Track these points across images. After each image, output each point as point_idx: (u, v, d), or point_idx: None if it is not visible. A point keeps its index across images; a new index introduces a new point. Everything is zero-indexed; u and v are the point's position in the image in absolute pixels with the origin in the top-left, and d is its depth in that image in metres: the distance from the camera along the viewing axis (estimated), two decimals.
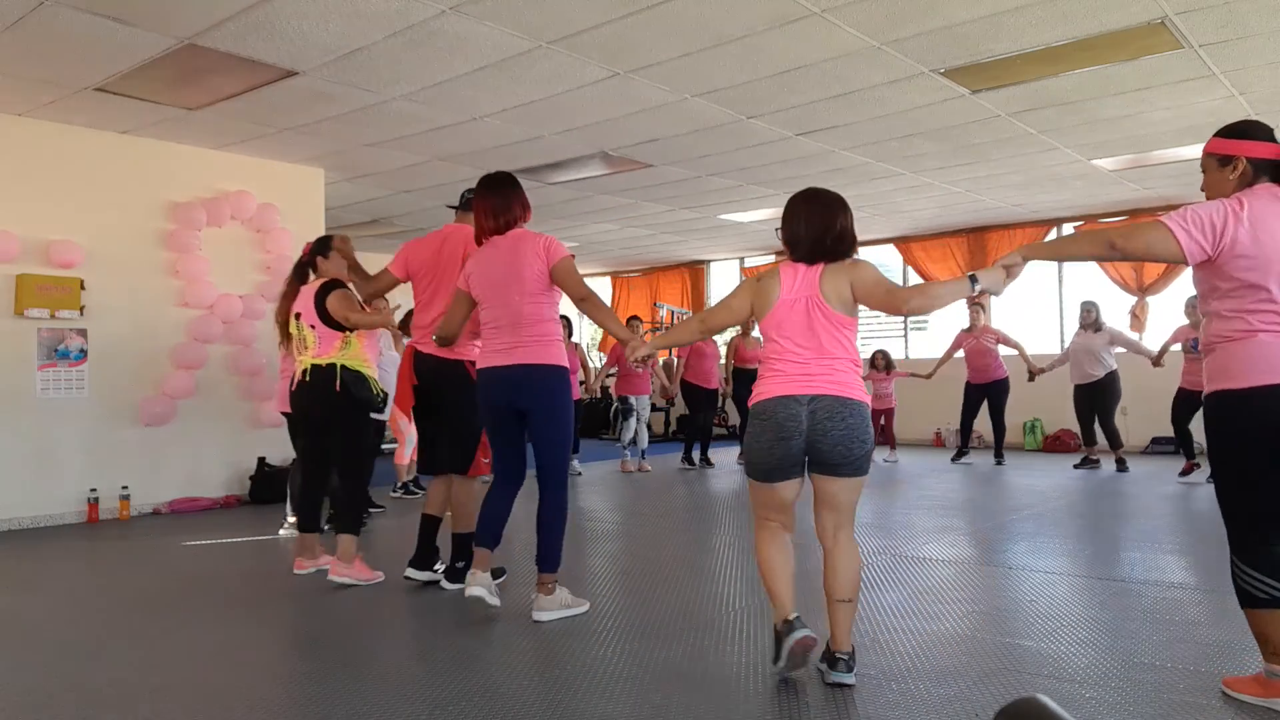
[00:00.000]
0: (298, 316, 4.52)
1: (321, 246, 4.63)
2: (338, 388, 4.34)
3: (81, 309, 6.53)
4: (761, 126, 6.83)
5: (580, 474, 9.08)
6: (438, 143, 7.17)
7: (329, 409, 4.41)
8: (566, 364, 3.82)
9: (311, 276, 4.64)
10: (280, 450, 7.51)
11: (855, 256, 2.99)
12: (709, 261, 14.56)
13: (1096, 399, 8.56)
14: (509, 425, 3.79)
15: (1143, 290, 10.32)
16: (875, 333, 12.76)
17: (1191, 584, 4.20)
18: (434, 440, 4.33)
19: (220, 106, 6.19)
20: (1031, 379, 9.00)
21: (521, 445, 3.85)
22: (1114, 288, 10.57)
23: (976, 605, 3.91)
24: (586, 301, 3.68)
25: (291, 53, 5.19)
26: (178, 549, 5.51)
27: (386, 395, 4.57)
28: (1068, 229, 10.98)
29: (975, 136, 7.20)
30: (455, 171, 8.11)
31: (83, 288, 6.53)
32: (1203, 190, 2.76)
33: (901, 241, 12.23)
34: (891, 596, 4.04)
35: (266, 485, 7.28)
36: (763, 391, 2.94)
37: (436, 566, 4.36)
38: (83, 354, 6.60)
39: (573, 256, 3.76)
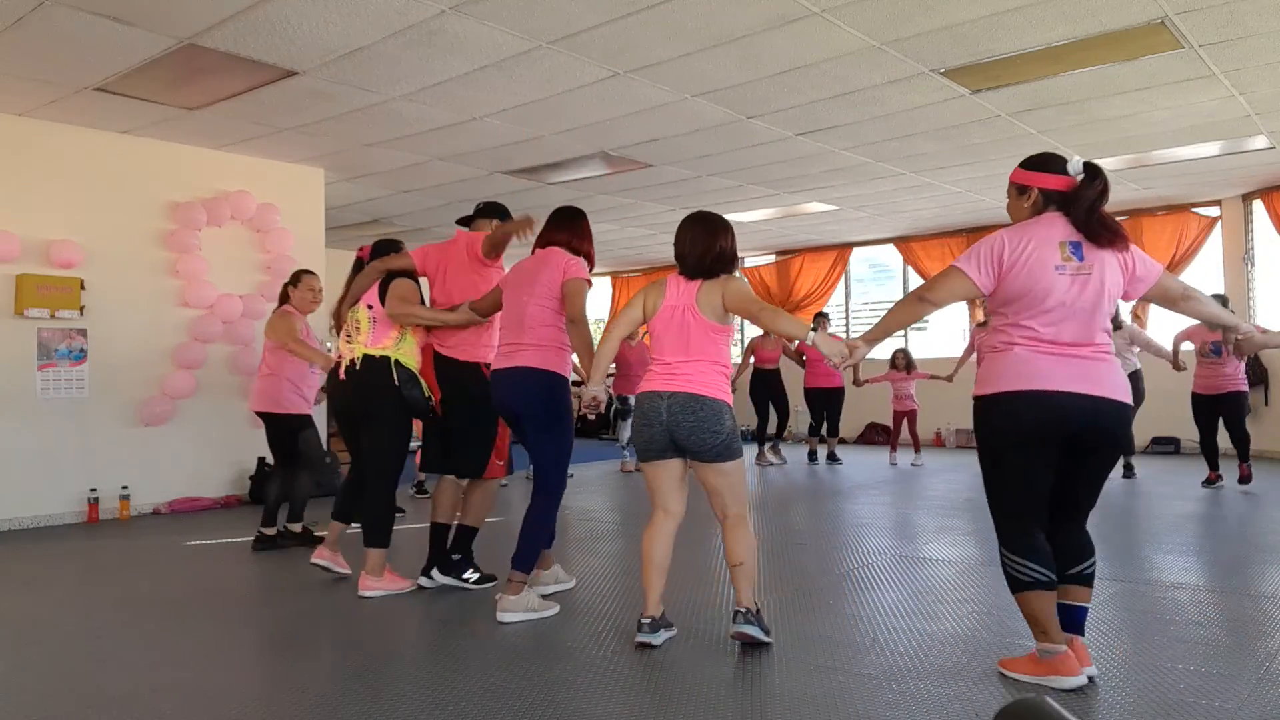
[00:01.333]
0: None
1: (394, 245, 4.45)
2: (395, 382, 4.13)
3: (81, 309, 6.53)
4: (761, 126, 6.83)
5: (571, 474, 8.97)
6: (438, 143, 7.17)
7: (375, 404, 4.18)
8: (565, 373, 3.84)
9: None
10: None
11: (732, 274, 3.46)
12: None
13: None
14: (517, 428, 3.94)
15: None
16: None
17: (1191, 584, 4.20)
18: (438, 438, 4.24)
19: (220, 106, 6.19)
20: None
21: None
22: None
23: (976, 605, 3.91)
24: (574, 325, 3.78)
25: (291, 53, 5.19)
26: (178, 549, 5.51)
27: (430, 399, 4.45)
28: None
29: (975, 136, 7.20)
30: (455, 171, 8.11)
31: (83, 288, 6.53)
32: (1008, 212, 3.06)
33: (901, 241, 12.23)
34: (891, 596, 4.04)
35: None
36: (641, 386, 3.44)
37: (466, 574, 4.26)
38: (83, 354, 6.60)
39: (590, 284, 3.89)
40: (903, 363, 9.71)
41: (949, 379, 9.43)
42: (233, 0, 4.50)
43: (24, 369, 6.36)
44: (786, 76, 5.71)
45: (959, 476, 8.45)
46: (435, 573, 4.27)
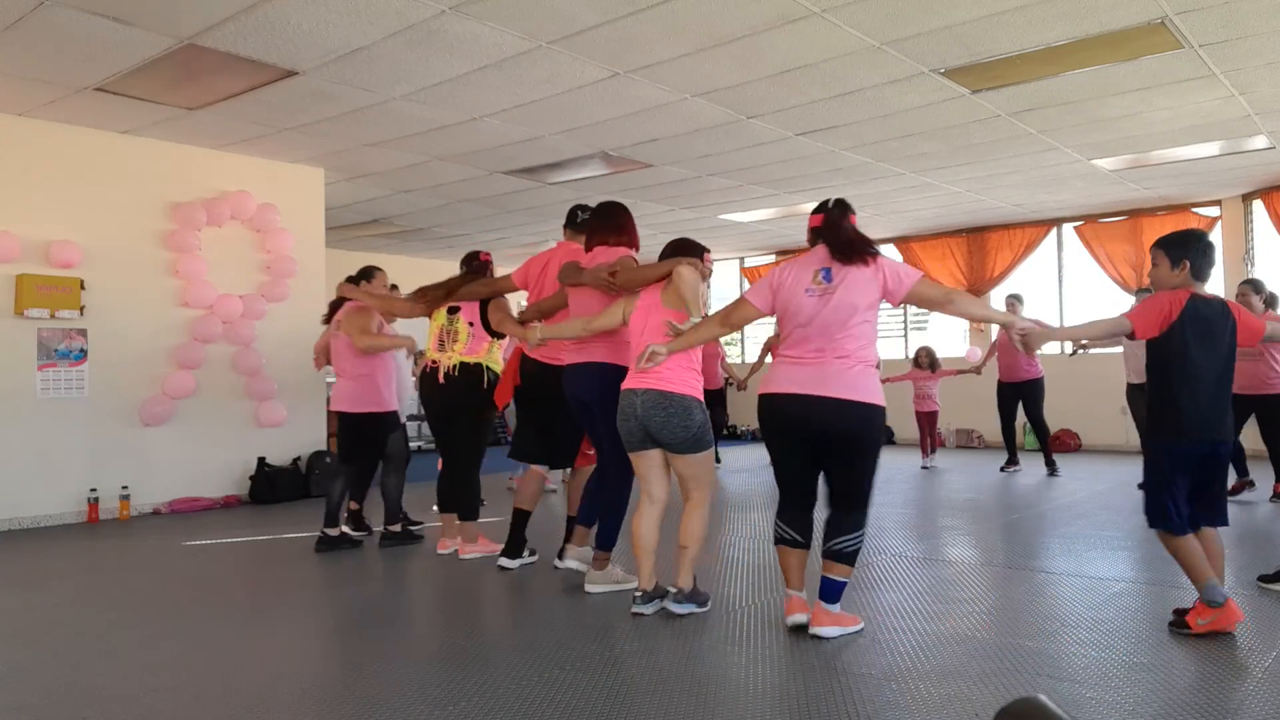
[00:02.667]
0: (454, 310, 4.92)
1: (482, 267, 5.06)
2: (486, 385, 4.85)
3: (81, 309, 6.53)
4: (761, 126, 6.83)
5: (554, 490, 7.70)
6: (438, 143, 7.17)
7: (469, 403, 4.87)
8: (616, 361, 4.04)
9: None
10: (280, 450, 7.52)
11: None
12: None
13: None
14: (583, 417, 4.25)
15: (1142, 290, 10.31)
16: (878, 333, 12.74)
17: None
18: (527, 434, 4.68)
19: (220, 106, 6.19)
20: (1073, 354, 8.19)
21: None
22: (1114, 286, 10.58)
23: (976, 605, 3.91)
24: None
25: (291, 53, 5.19)
26: (178, 549, 5.51)
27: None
28: (1068, 229, 11.00)
29: (975, 136, 7.20)
30: (455, 171, 8.11)
31: (83, 288, 6.53)
32: None
33: (901, 241, 12.23)
34: (891, 596, 4.04)
35: (266, 485, 7.28)
36: (623, 384, 3.79)
37: (526, 552, 4.67)
38: (83, 354, 6.60)
39: (635, 262, 4.09)
40: (926, 361, 9.21)
41: (977, 371, 9.11)
42: (233, 0, 4.50)
43: (24, 369, 6.36)
44: (786, 76, 5.71)
45: (959, 477, 8.46)
46: (558, 561, 4.51)
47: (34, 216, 6.40)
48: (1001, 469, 8.69)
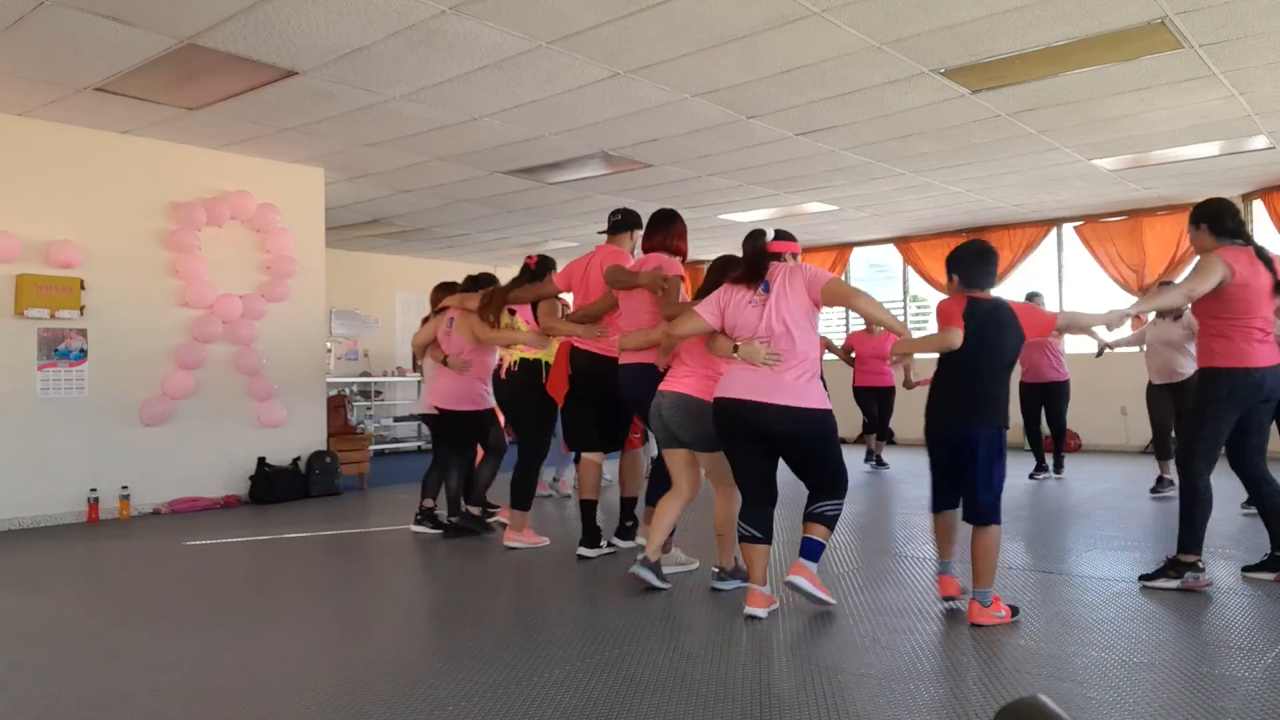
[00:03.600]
0: (513, 313, 5.34)
1: (552, 264, 5.34)
2: (544, 379, 5.14)
3: (81, 309, 6.53)
4: (761, 126, 6.83)
5: (566, 495, 7.48)
6: (438, 143, 7.17)
7: (529, 399, 5.20)
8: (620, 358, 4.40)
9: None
10: (280, 450, 7.52)
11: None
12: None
13: (1182, 401, 6.51)
14: (638, 411, 4.53)
15: (1142, 290, 10.31)
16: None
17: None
18: (579, 423, 4.92)
19: (220, 106, 6.19)
20: (1100, 354, 7.75)
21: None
22: (1114, 286, 10.58)
23: None
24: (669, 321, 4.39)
25: (291, 53, 5.19)
26: (178, 549, 5.52)
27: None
28: (1067, 229, 11.00)
29: (975, 136, 7.20)
30: (455, 171, 8.11)
31: (83, 288, 6.53)
32: None
33: (902, 241, 12.23)
34: (891, 596, 4.05)
35: (266, 485, 7.28)
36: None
37: (603, 543, 4.90)
38: (83, 354, 6.60)
39: (682, 278, 4.40)
40: None
41: None
42: (233, 0, 4.50)
43: (24, 369, 6.36)
44: (786, 76, 5.70)
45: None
46: (615, 540, 4.92)
47: (34, 216, 6.40)
48: (1030, 476, 7.97)
